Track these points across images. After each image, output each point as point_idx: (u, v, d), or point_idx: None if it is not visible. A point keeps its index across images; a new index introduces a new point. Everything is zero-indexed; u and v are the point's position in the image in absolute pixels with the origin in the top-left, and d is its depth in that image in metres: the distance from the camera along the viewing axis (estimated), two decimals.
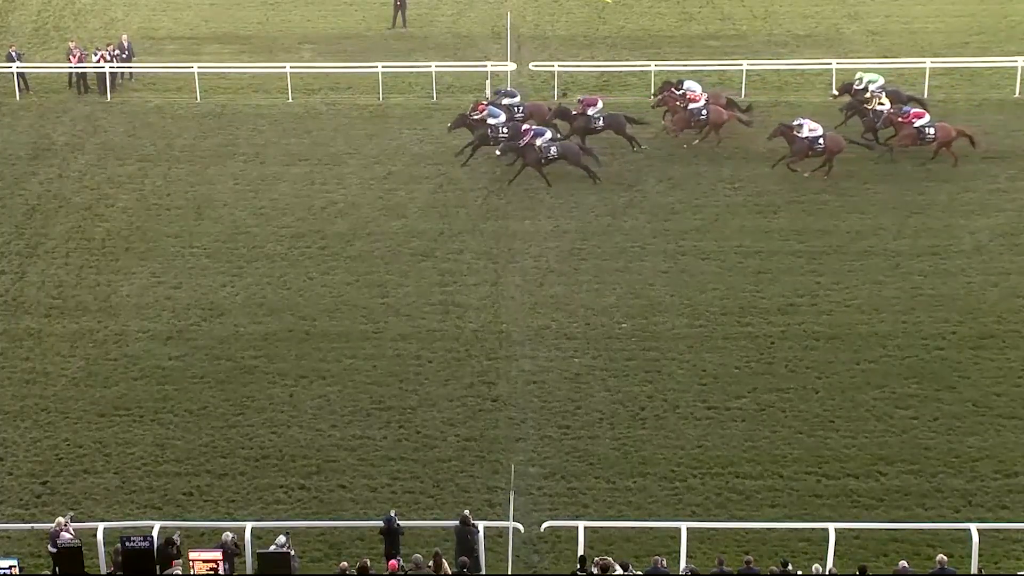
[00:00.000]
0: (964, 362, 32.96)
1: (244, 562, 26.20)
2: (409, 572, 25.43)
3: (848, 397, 31.87)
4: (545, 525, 27.59)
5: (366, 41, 51.17)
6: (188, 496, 29.07)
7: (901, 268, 36.71)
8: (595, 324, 34.61)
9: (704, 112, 42.95)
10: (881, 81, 43.74)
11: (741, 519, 28.17)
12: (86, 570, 25.57)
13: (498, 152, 41.40)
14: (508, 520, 26.56)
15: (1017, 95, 46.10)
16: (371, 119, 45.51)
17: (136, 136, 44.50)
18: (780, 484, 29.24)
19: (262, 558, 25.56)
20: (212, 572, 24.95)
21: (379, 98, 46.64)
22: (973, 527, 26.49)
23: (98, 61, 47.20)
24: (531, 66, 47.86)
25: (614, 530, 27.65)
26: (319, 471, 29.76)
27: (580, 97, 43.86)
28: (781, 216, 39.31)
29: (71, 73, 47.56)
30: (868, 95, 42.98)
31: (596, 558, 25.59)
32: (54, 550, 25.65)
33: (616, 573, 25.01)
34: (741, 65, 46.89)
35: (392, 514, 26.66)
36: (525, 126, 41.54)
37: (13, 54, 47.38)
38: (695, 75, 45.46)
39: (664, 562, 25.63)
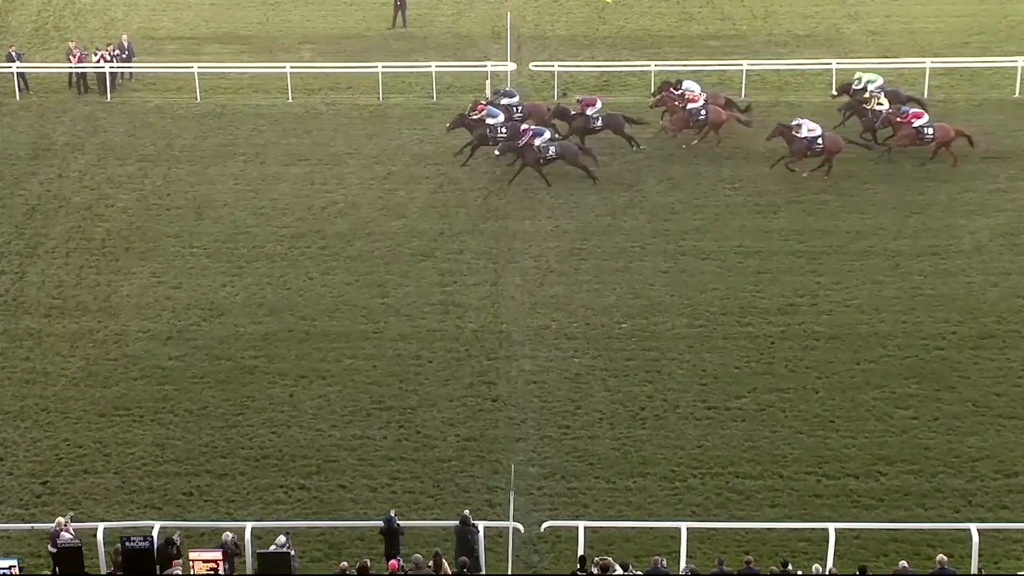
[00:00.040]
0: (964, 362, 32.96)
1: (244, 562, 26.20)
2: (409, 572, 25.42)
3: (848, 397, 31.86)
4: (545, 525, 27.58)
5: (366, 41, 51.16)
6: (188, 496, 29.06)
7: (901, 268, 36.70)
8: (595, 324, 34.60)
9: (703, 112, 42.94)
10: (880, 81, 43.74)
11: (741, 519, 28.16)
12: (86, 570, 25.56)
13: (497, 152, 41.39)
14: (508, 520, 26.54)
15: (1017, 95, 46.09)
16: (371, 119, 45.49)
17: (136, 136, 44.48)
18: (780, 484, 29.23)
19: (262, 558, 25.56)
20: (212, 572, 24.95)
21: (379, 98, 46.62)
22: (973, 527, 26.48)
23: (98, 61, 47.17)
24: (531, 66, 47.85)
25: (614, 530, 27.64)
26: (319, 471, 29.75)
27: (579, 97, 43.87)
28: (781, 216, 39.30)
29: (71, 73, 47.55)
30: (867, 95, 43.00)
31: (596, 558, 25.58)
32: (54, 550, 25.64)
33: (616, 573, 25.00)
34: (741, 65, 46.88)
35: (392, 514, 26.65)
36: (524, 126, 41.54)
37: (13, 54, 47.36)
38: (695, 75, 45.45)
39: (664, 562, 25.63)
